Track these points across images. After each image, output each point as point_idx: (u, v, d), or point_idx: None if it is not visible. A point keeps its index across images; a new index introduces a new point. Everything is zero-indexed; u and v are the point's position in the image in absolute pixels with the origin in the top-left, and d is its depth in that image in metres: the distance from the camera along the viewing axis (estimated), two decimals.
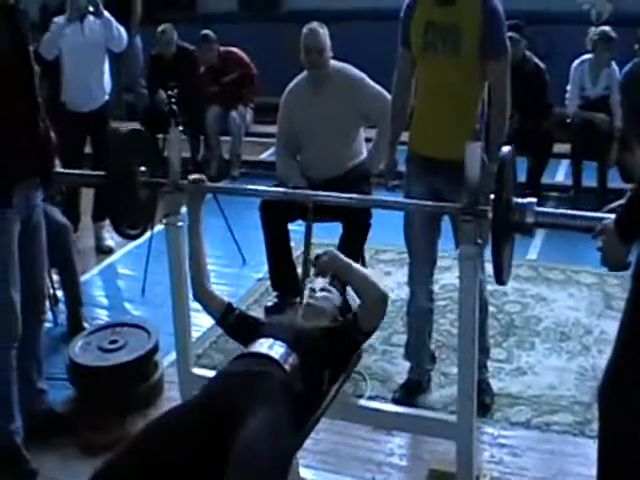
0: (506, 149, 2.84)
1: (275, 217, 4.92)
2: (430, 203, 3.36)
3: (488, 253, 2.81)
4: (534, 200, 2.80)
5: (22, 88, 3.43)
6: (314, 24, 4.93)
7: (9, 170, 3.37)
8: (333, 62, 4.95)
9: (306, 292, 3.25)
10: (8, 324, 3.48)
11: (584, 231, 2.67)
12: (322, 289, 3.23)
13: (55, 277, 5.06)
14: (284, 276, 5.09)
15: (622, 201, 2.55)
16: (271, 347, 2.86)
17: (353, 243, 4.83)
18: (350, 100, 4.84)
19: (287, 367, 2.78)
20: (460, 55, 3.58)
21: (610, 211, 2.63)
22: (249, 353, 2.90)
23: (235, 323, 3.15)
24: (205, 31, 8.02)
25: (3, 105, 3.33)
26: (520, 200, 2.78)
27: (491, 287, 3.94)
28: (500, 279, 2.82)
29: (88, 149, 6.14)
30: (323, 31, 4.90)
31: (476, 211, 2.83)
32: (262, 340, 2.91)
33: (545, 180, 7.18)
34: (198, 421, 2.57)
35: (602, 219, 2.60)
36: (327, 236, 5.78)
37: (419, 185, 3.79)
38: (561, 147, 7.18)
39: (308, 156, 5.03)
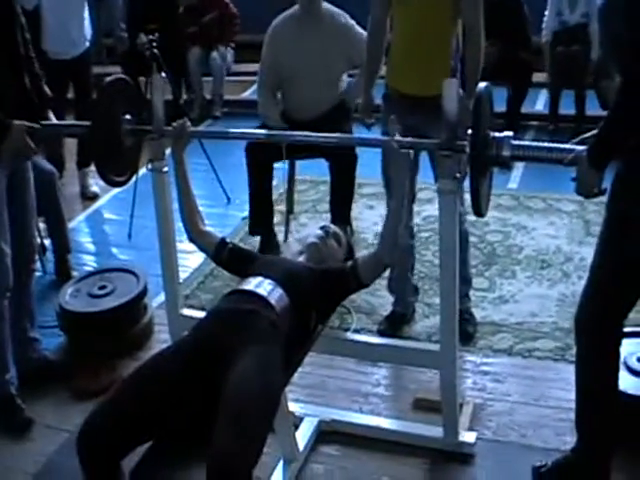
0: (483, 84, 2.87)
1: (260, 159, 4.90)
2: (409, 139, 3.32)
3: (467, 184, 2.87)
4: (510, 134, 2.83)
5: (6, 41, 3.41)
6: None
7: None
8: (326, 5, 4.88)
9: (318, 231, 3.28)
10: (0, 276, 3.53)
11: (560, 163, 2.73)
12: (335, 235, 3.29)
13: (42, 225, 5.05)
14: (264, 217, 5.11)
15: (594, 131, 2.62)
16: (259, 285, 2.90)
17: (344, 179, 4.89)
18: (341, 47, 4.79)
19: (275, 304, 2.83)
20: None
21: (582, 142, 2.70)
22: (238, 290, 2.95)
23: (229, 258, 3.19)
24: None
25: None
26: (497, 134, 2.82)
27: (472, 217, 3.98)
28: (479, 211, 2.87)
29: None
30: None
31: (454, 146, 2.88)
32: (251, 278, 2.96)
33: (525, 109, 7.23)
34: (189, 362, 2.63)
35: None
36: (309, 173, 5.88)
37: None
38: (541, 76, 7.20)
39: (291, 96, 4.99)
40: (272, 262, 3.22)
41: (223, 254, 3.19)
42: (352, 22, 4.90)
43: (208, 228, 3.28)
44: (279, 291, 2.89)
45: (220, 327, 2.76)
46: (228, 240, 3.26)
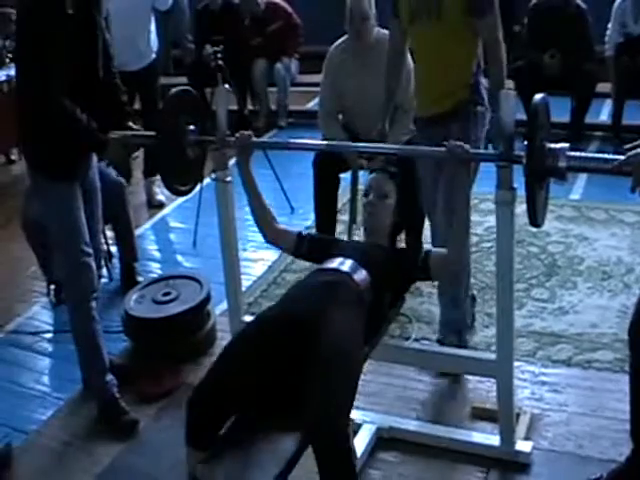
0: (539, 96, 2.90)
1: (328, 171, 4.92)
2: (470, 151, 3.25)
3: None
4: (567, 145, 2.86)
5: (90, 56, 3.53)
6: None
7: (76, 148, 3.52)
8: (378, 30, 4.77)
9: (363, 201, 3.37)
10: (87, 279, 3.65)
11: (617, 174, 2.74)
12: (378, 190, 3.31)
13: (109, 233, 5.18)
14: (330, 229, 5.11)
15: None
16: (342, 263, 3.04)
17: (409, 194, 4.83)
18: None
19: (359, 281, 2.97)
20: (446, 21, 3.63)
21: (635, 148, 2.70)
22: (321, 269, 3.08)
23: (309, 249, 3.30)
24: None
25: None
26: (553, 145, 2.84)
27: (534, 228, 4.01)
28: (535, 222, 2.90)
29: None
30: None
31: (511, 157, 2.92)
32: (333, 259, 3.09)
33: (589, 120, 7.18)
34: (279, 330, 2.77)
35: None
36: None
37: (425, 144, 3.89)
38: (605, 86, 7.14)
39: (352, 121, 4.99)
40: (351, 245, 3.42)
41: (303, 247, 3.30)
42: None
43: (282, 226, 3.39)
44: (362, 270, 3.01)
45: (309, 295, 2.90)
46: (304, 233, 3.36)
